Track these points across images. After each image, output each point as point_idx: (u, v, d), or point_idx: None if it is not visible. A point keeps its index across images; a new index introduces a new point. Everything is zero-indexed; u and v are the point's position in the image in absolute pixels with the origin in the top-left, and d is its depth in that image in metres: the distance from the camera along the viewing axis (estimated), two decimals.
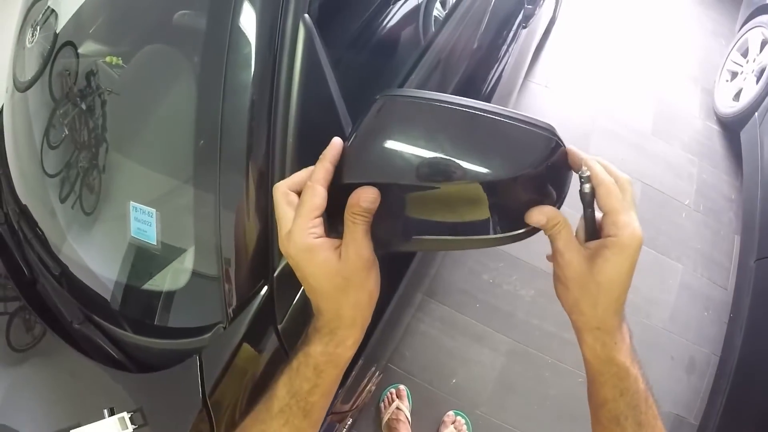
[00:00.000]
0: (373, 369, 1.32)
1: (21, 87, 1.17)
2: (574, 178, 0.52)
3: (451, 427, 1.90)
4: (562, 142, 0.49)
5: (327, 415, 0.94)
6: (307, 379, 0.52)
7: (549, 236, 0.51)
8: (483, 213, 0.49)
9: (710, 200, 2.62)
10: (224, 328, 0.86)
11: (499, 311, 2.15)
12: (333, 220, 0.50)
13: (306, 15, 0.79)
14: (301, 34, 0.79)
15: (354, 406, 1.29)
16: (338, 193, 0.49)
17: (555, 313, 2.14)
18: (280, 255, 0.87)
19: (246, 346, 0.85)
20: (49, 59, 1.08)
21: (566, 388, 2.02)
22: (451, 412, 1.94)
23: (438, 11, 1.66)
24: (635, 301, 2.23)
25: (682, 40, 3.37)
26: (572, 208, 0.51)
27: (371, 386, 1.57)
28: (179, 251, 0.92)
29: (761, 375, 1.94)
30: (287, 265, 0.89)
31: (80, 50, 1.05)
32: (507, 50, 1.61)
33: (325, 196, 0.49)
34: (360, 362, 1.08)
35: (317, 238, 0.48)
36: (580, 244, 0.51)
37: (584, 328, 0.51)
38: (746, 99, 2.71)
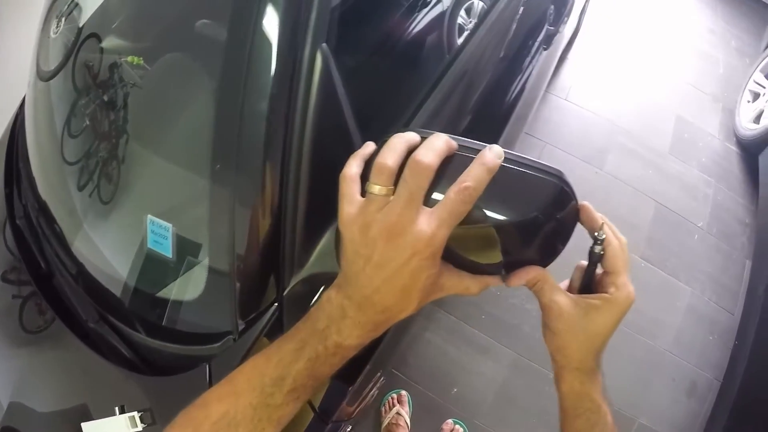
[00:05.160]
0: (378, 374, 1.34)
1: (44, 76, 1.17)
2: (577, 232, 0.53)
3: None
4: (573, 194, 0.49)
5: (334, 417, 0.97)
6: (332, 366, 0.52)
7: (533, 292, 0.55)
8: (495, 257, 0.51)
9: (724, 223, 2.59)
10: (234, 339, 0.89)
11: (505, 324, 2.15)
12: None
13: (324, 44, 0.80)
14: (318, 63, 0.80)
15: (358, 409, 1.31)
16: None
17: None
18: (289, 276, 0.90)
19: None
20: (73, 49, 1.09)
21: None
22: (450, 421, 1.95)
23: (462, 18, 1.65)
24: (640, 322, 2.22)
25: (705, 58, 3.33)
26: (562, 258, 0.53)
27: (374, 390, 1.59)
28: (193, 263, 0.94)
29: (762, 405, 1.93)
30: (296, 286, 0.91)
31: (103, 45, 1.05)
32: (530, 63, 1.60)
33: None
34: (368, 367, 1.10)
35: None
36: (570, 294, 0.55)
37: (566, 368, 0.57)
38: (767, 121, 2.68)
